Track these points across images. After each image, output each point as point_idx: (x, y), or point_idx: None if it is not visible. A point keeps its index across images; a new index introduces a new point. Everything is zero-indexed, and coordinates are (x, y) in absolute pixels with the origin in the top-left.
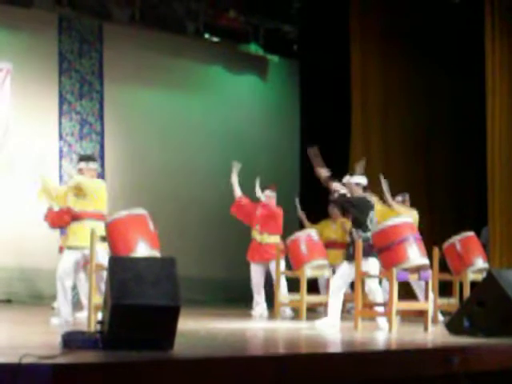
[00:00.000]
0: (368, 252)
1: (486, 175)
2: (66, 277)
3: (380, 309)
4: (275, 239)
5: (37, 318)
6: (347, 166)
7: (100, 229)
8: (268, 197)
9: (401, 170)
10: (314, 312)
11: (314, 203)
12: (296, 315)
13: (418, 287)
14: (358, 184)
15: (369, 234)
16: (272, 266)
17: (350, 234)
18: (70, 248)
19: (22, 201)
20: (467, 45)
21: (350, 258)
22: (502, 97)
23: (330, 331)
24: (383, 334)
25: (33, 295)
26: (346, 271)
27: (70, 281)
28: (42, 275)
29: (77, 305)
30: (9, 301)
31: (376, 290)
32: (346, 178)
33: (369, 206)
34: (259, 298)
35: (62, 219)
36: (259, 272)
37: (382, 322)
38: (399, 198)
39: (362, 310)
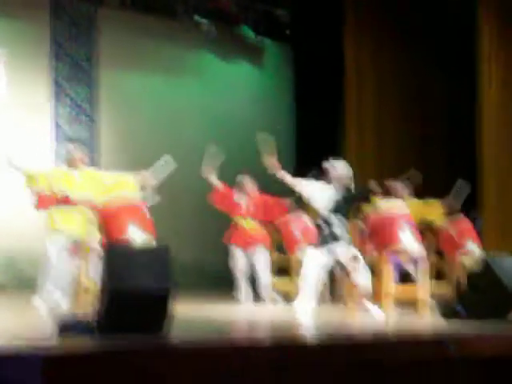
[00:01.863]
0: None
1: (480, 164)
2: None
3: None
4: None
5: (28, 304)
6: (340, 150)
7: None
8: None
9: (394, 155)
10: None
11: None
12: (286, 299)
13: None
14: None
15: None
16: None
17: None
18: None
19: (13, 188)
20: (460, 32)
21: (318, 243)
22: (496, 89)
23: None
24: (377, 319)
25: (22, 280)
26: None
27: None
28: (30, 261)
29: None
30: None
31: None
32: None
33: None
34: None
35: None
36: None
37: (371, 307)
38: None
39: (354, 295)
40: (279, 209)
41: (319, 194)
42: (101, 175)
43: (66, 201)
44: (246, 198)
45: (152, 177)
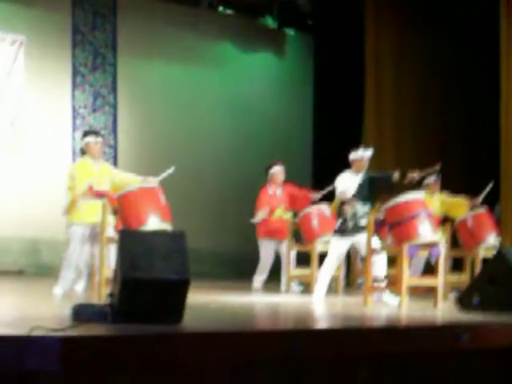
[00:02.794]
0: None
1: (499, 154)
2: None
3: (382, 284)
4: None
5: (47, 290)
6: (360, 139)
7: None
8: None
9: (413, 144)
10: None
11: (326, 177)
12: (306, 290)
13: (417, 262)
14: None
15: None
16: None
17: (341, 208)
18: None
19: (34, 175)
20: (482, 20)
21: (341, 232)
22: None
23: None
24: (392, 309)
25: (43, 266)
26: (335, 246)
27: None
28: (53, 247)
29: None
30: (20, 272)
31: (381, 264)
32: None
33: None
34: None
35: None
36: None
37: (389, 298)
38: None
39: (372, 286)
40: (304, 200)
41: (347, 183)
42: (113, 172)
43: (89, 192)
44: (278, 188)
45: (156, 183)
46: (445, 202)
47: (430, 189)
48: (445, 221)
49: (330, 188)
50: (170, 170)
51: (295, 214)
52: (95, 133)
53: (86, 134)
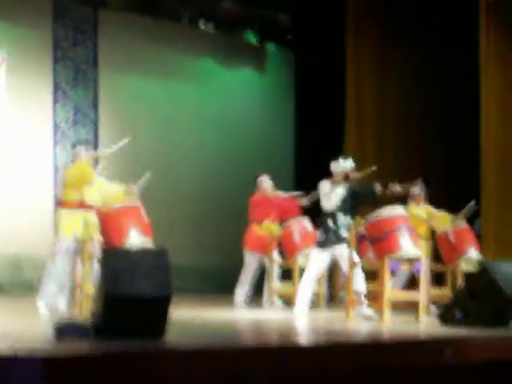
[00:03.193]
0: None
1: (479, 168)
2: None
3: (361, 297)
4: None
5: (28, 307)
6: (340, 153)
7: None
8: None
9: (394, 159)
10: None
11: (309, 192)
12: (288, 304)
13: (401, 276)
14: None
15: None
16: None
17: (323, 220)
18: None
19: (13, 188)
20: (463, 33)
21: (321, 244)
22: (500, 91)
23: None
24: (375, 324)
25: (24, 283)
26: (316, 258)
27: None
28: (34, 264)
29: None
30: None
31: (359, 278)
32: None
33: None
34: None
35: None
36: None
37: (367, 311)
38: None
39: (354, 300)
40: (293, 209)
41: (329, 192)
42: (100, 182)
43: (78, 204)
44: (267, 200)
45: (136, 189)
46: (429, 214)
47: (415, 200)
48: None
49: (315, 195)
50: (147, 176)
51: (281, 224)
52: (85, 142)
53: (76, 143)
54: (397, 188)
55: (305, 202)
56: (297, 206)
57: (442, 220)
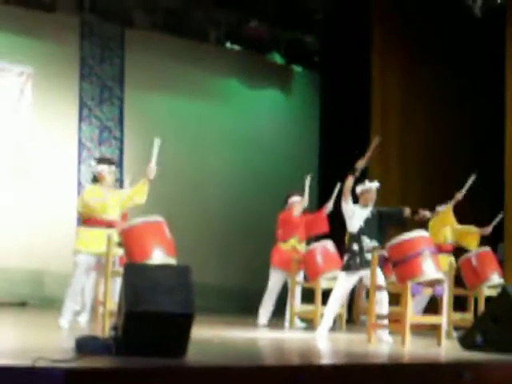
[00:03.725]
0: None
1: (503, 191)
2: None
3: (384, 321)
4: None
5: (50, 322)
6: (365, 175)
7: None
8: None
9: (418, 185)
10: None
11: (333, 213)
12: (309, 326)
13: (420, 300)
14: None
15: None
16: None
17: (349, 243)
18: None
19: (37, 204)
20: (488, 54)
21: (348, 268)
22: None
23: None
24: (396, 346)
25: (46, 298)
26: (343, 282)
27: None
28: (55, 278)
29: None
30: (23, 304)
31: (385, 302)
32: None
33: None
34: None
35: None
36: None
37: (384, 335)
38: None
39: (376, 323)
40: (320, 219)
41: (356, 216)
42: (122, 195)
43: (96, 221)
44: (294, 219)
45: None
46: (456, 230)
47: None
48: (457, 250)
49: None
50: (158, 143)
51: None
52: (109, 161)
53: (99, 161)
54: (427, 213)
55: (330, 206)
56: (323, 218)
57: (470, 235)
